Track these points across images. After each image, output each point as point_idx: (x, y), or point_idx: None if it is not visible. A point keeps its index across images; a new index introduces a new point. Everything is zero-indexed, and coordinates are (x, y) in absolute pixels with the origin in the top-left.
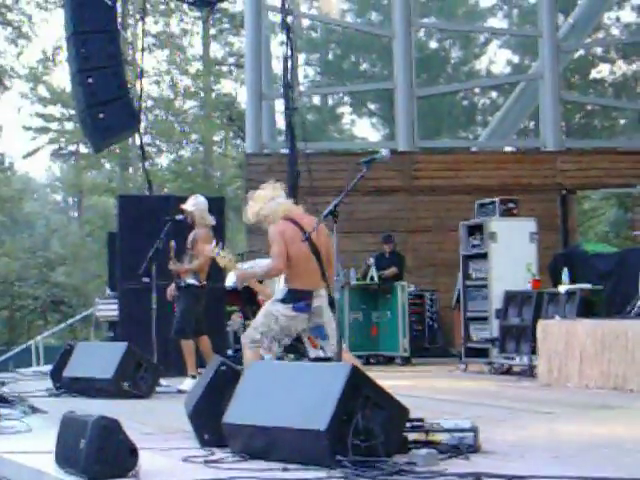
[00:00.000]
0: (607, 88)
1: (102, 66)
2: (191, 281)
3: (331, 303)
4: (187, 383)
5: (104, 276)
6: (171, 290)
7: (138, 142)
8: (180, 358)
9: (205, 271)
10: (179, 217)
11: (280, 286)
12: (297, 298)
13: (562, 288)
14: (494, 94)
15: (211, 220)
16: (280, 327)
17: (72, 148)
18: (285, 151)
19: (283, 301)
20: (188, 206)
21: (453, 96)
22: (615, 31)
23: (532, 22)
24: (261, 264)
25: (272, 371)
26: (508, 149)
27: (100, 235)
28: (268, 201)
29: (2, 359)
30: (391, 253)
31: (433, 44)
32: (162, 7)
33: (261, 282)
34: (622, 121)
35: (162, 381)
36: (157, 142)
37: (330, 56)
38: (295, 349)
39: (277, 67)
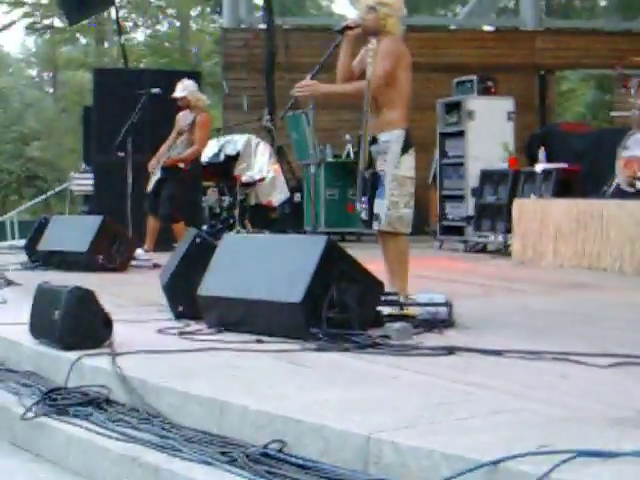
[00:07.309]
0: None
1: None
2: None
3: None
4: None
5: (79, 151)
6: (152, 165)
7: (114, 16)
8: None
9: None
10: (155, 90)
11: (258, 160)
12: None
13: (539, 167)
14: None
15: (205, 99)
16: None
17: (47, 22)
18: (263, 26)
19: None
20: (178, 92)
21: None
22: None
23: None
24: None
25: (247, 243)
26: (487, 28)
27: (75, 110)
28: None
29: None
30: None
31: None
32: None
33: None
34: (602, 3)
35: (140, 251)
36: (133, 16)
37: None
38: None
39: None
